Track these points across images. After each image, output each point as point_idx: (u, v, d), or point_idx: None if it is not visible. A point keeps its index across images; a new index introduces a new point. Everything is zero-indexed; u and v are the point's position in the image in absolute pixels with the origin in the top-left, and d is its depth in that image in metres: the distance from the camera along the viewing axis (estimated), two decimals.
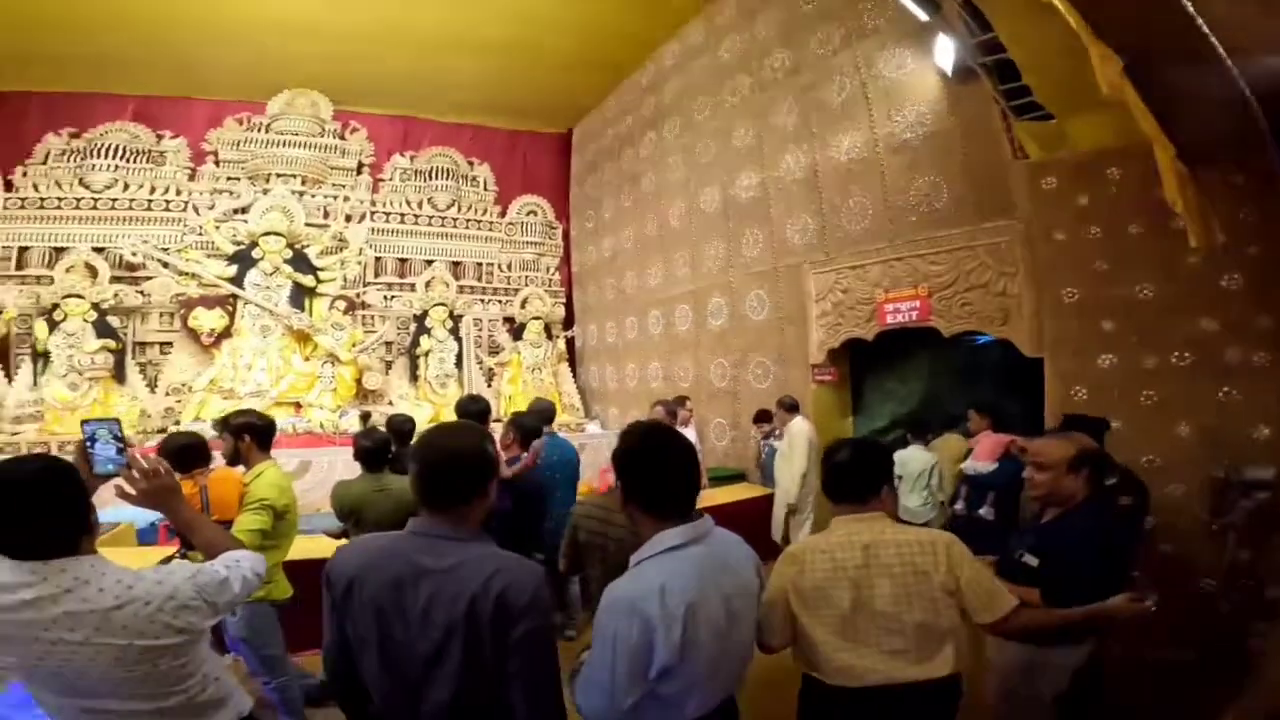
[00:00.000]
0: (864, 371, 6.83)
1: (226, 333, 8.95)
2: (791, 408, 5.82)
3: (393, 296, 10.48)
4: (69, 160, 9.25)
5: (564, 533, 2.63)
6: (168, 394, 8.81)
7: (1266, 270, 3.73)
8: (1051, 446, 2.37)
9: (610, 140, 10.72)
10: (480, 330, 10.82)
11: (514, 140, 11.94)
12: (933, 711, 1.85)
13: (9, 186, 9.02)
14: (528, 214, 11.74)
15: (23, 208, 8.94)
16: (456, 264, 11.08)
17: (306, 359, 9.10)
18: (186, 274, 9.05)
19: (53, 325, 8.21)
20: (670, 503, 1.65)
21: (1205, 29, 2.56)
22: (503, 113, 11.40)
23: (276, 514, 2.99)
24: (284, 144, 10.01)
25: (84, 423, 1.71)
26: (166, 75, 9.39)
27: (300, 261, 9.41)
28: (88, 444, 1.67)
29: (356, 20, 8.39)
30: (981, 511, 4.78)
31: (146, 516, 4.95)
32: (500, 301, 11.13)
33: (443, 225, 11.02)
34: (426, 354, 10.03)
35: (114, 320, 8.65)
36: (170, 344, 9.17)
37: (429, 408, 9.43)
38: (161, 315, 9.23)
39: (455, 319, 10.35)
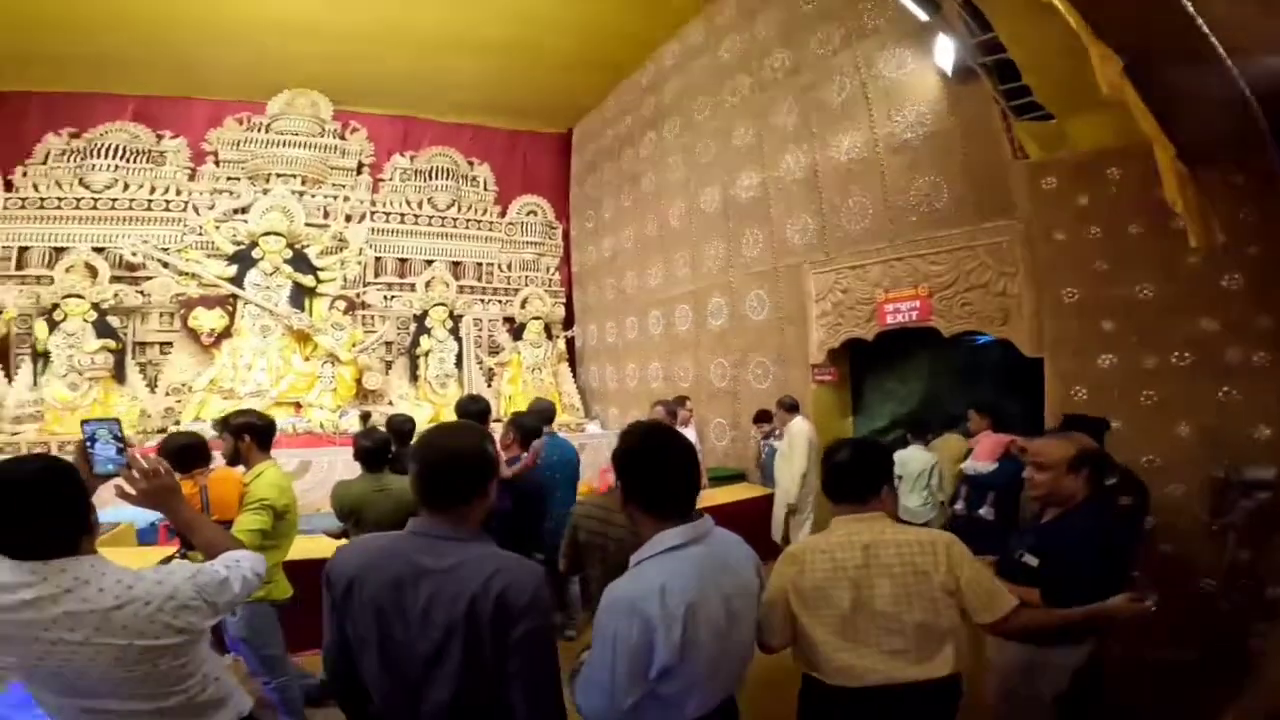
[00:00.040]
0: (864, 371, 6.82)
1: (226, 333, 8.95)
2: (791, 408, 5.82)
3: (393, 296, 10.48)
4: (69, 160, 9.26)
5: (564, 533, 2.63)
6: (168, 394, 8.81)
7: (1266, 270, 3.73)
8: (1051, 446, 2.37)
9: (610, 140, 10.72)
10: (480, 330, 10.82)
11: (514, 140, 11.94)
12: (933, 712, 1.85)
13: (9, 186, 9.02)
14: (528, 214, 11.74)
15: (23, 208, 8.94)
16: (456, 264, 11.08)
17: (306, 359, 9.10)
18: (186, 274, 9.05)
19: (53, 325, 8.21)
20: (670, 503, 1.65)
21: (1205, 29, 2.56)
22: (503, 113, 11.40)
23: (276, 514, 2.99)
24: (284, 144, 10.01)
25: (84, 423, 1.71)
26: (166, 75, 9.39)
27: (300, 261, 9.41)
28: (88, 444, 1.67)
29: (356, 20, 8.39)
30: (981, 511, 4.78)
31: (147, 516, 4.94)
32: (500, 301, 11.13)
33: (443, 225, 11.02)
34: (426, 354, 10.03)
35: (114, 320, 8.65)
36: (170, 344, 9.17)
37: (429, 408, 9.43)
38: (161, 315, 9.23)
39: (455, 319, 10.35)
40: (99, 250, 8.96)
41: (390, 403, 9.54)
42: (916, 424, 5.61)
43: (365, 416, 8.59)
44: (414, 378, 10.06)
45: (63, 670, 1.42)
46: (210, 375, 8.59)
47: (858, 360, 6.76)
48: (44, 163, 9.19)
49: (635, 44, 9.23)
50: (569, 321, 11.63)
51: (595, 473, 6.60)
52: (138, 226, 9.24)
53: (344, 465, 5.25)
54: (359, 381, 9.33)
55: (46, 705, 1.51)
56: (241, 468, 3.20)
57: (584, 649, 1.64)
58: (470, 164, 11.51)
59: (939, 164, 5.51)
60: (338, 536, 3.79)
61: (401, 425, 4.63)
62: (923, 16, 4.85)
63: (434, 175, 11.12)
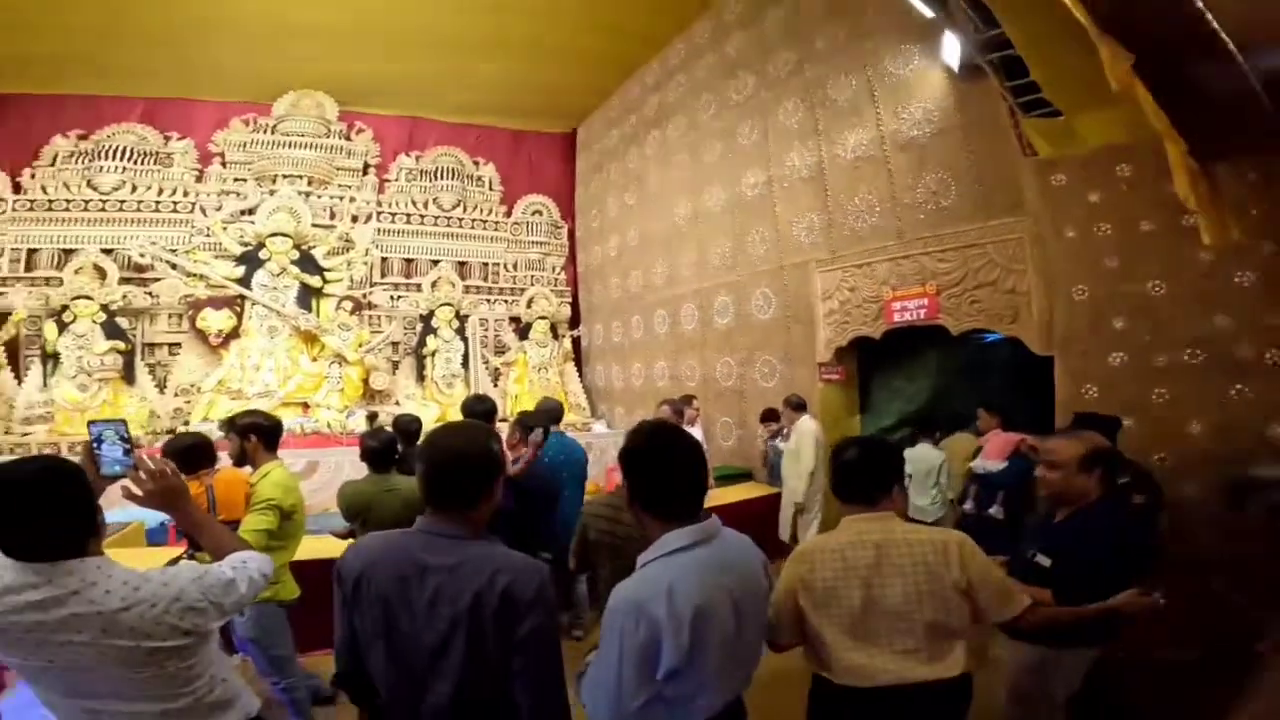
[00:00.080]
0: (871, 370, 6.79)
1: (234, 333, 9.01)
2: (798, 406, 5.80)
3: (399, 297, 10.50)
4: (77, 162, 9.33)
5: (574, 531, 2.63)
6: (176, 395, 8.86)
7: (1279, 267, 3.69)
8: (1063, 445, 2.35)
9: (615, 139, 10.71)
10: (486, 330, 10.83)
11: (519, 140, 11.96)
12: (943, 712, 1.84)
13: (18, 188, 9.09)
14: (533, 214, 11.75)
15: (31, 210, 9.01)
16: (462, 264, 11.11)
17: (314, 359, 9.14)
18: (194, 275, 9.11)
19: (62, 327, 8.28)
20: (677, 502, 1.64)
21: (1215, 24, 2.53)
22: (507, 113, 11.41)
23: (283, 514, 2.98)
24: (290, 145, 10.06)
25: (90, 424, 1.71)
26: (173, 77, 9.45)
27: (307, 262, 9.45)
28: (94, 445, 1.67)
29: (361, 21, 8.41)
30: (991, 511, 4.75)
31: (156, 516, 4.97)
32: (506, 301, 11.14)
33: (448, 225, 11.04)
34: (433, 354, 10.06)
35: (123, 321, 8.72)
36: (179, 345, 9.23)
37: (435, 407, 9.45)
38: (170, 316, 9.29)
39: (461, 319, 10.37)
40: (107, 252, 9.03)
41: (397, 403, 9.57)
42: (924, 422, 5.59)
43: (372, 416, 8.61)
44: (420, 378, 10.09)
45: (70, 672, 1.42)
46: (218, 376, 8.64)
47: (865, 359, 6.72)
48: (52, 165, 9.27)
49: (640, 43, 9.21)
50: (575, 321, 11.63)
51: (602, 471, 6.60)
52: (146, 228, 9.30)
53: (351, 465, 5.27)
54: (366, 382, 9.37)
55: (53, 706, 1.51)
56: (248, 468, 3.20)
57: (590, 649, 1.64)
58: (475, 164, 11.54)
59: (946, 161, 5.47)
60: (344, 537, 3.79)
61: (408, 425, 4.63)
62: (928, 14, 4.82)
63: (439, 175, 11.14)
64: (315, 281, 9.46)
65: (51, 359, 8.25)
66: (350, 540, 3.37)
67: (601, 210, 11.18)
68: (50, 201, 9.06)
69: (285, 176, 9.86)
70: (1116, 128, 4.10)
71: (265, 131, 10.08)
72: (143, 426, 8.12)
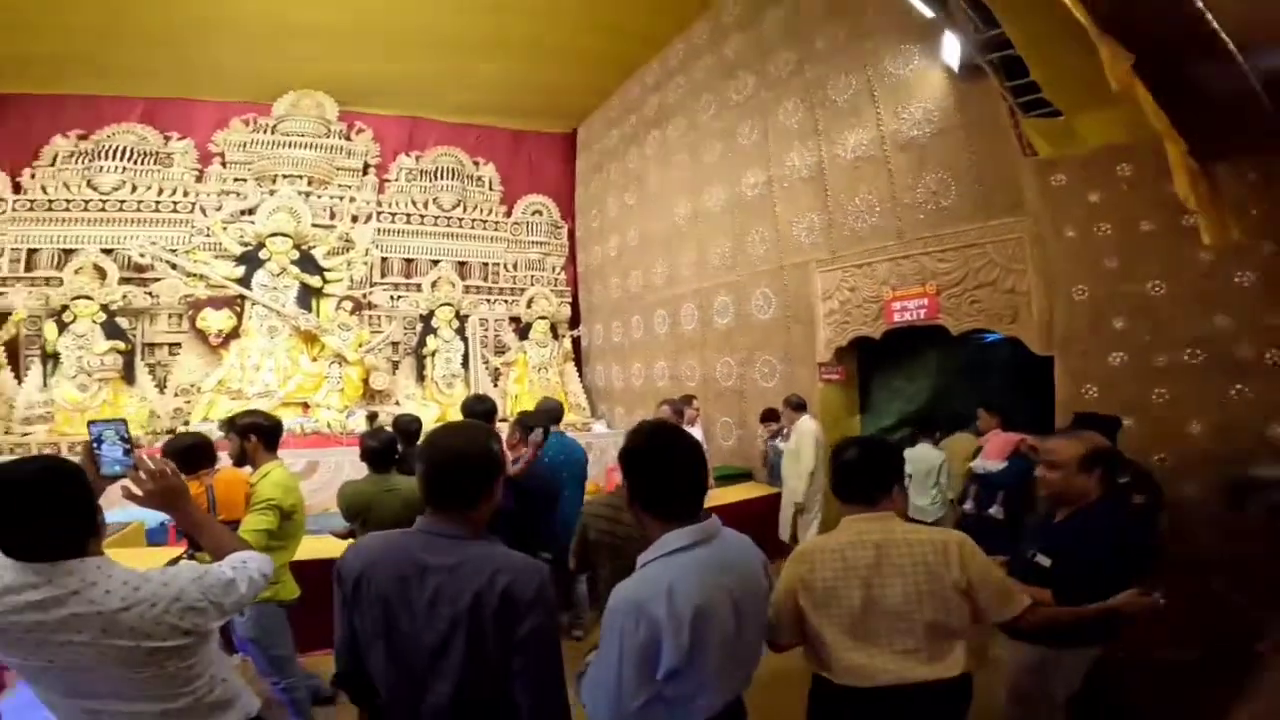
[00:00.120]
0: (871, 370, 6.79)
1: (234, 333, 9.01)
2: (798, 406, 5.80)
3: (399, 297, 10.50)
4: (77, 162, 9.33)
5: (574, 531, 2.63)
6: (176, 395, 8.86)
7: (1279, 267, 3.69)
8: (1063, 445, 2.35)
9: (615, 139, 10.71)
10: (486, 330, 10.83)
11: (519, 140, 11.96)
12: (943, 712, 1.84)
13: (17, 189, 9.09)
14: (533, 214, 11.75)
15: (31, 209, 9.01)
16: (462, 264, 11.11)
17: (314, 359, 9.14)
18: (194, 275, 9.11)
19: (62, 327, 8.28)
20: (677, 502, 1.64)
21: (1215, 24, 2.53)
22: (507, 113, 11.41)
23: (283, 514, 2.98)
24: (290, 145, 10.06)
25: (90, 424, 1.71)
26: (173, 77, 9.45)
27: (307, 262, 9.45)
28: (94, 445, 1.67)
29: (361, 21, 8.41)
30: (991, 511, 4.75)
31: (156, 516, 4.97)
32: (506, 301, 11.14)
33: (448, 225, 11.04)
34: (433, 354, 10.06)
35: (123, 321, 8.72)
36: (179, 345, 9.23)
37: (435, 407, 9.45)
38: (170, 316, 9.29)
39: (461, 319, 10.37)
40: (107, 252, 9.03)
41: (397, 403, 9.58)
42: (924, 422, 5.59)
43: (372, 417, 8.61)
44: (420, 378, 10.09)
45: (70, 672, 1.42)
46: (218, 376, 8.64)
47: (865, 359, 6.72)
48: (52, 165, 9.27)
49: (640, 43, 9.21)
50: (575, 321, 11.63)
51: (602, 471, 6.60)
52: (146, 228, 9.30)
53: (351, 465, 5.27)
54: (366, 382, 9.37)
55: (53, 706, 1.51)
56: (248, 468, 3.20)
57: (590, 649, 1.64)
58: (476, 164, 11.54)
59: (946, 161, 5.47)
60: (345, 537, 3.79)
61: (408, 425, 4.63)
62: (928, 14, 4.81)
63: (439, 175, 11.14)
64: (315, 281, 9.46)
65: (51, 359, 8.25)
66: (350, 540, 3.37)
67: (601, 210, 11.18)
68: (50, 201, 9.06)
69: (285, 176, 9.86)
70: (1116, 128, 4.10)
71: (265, 131, 10.08)
72: (143, 426, 8.12)
